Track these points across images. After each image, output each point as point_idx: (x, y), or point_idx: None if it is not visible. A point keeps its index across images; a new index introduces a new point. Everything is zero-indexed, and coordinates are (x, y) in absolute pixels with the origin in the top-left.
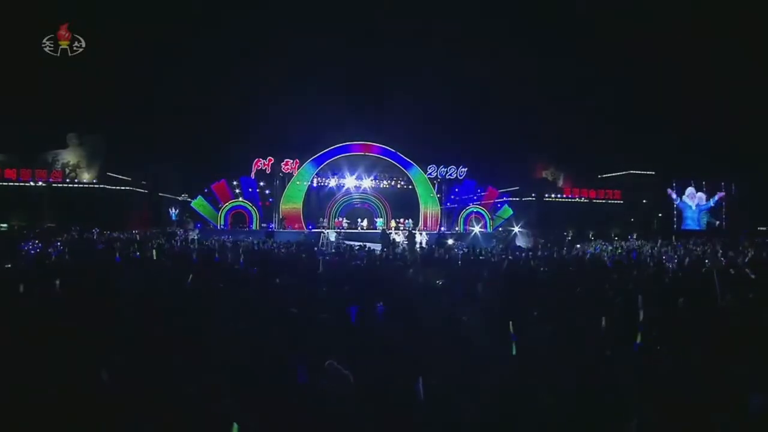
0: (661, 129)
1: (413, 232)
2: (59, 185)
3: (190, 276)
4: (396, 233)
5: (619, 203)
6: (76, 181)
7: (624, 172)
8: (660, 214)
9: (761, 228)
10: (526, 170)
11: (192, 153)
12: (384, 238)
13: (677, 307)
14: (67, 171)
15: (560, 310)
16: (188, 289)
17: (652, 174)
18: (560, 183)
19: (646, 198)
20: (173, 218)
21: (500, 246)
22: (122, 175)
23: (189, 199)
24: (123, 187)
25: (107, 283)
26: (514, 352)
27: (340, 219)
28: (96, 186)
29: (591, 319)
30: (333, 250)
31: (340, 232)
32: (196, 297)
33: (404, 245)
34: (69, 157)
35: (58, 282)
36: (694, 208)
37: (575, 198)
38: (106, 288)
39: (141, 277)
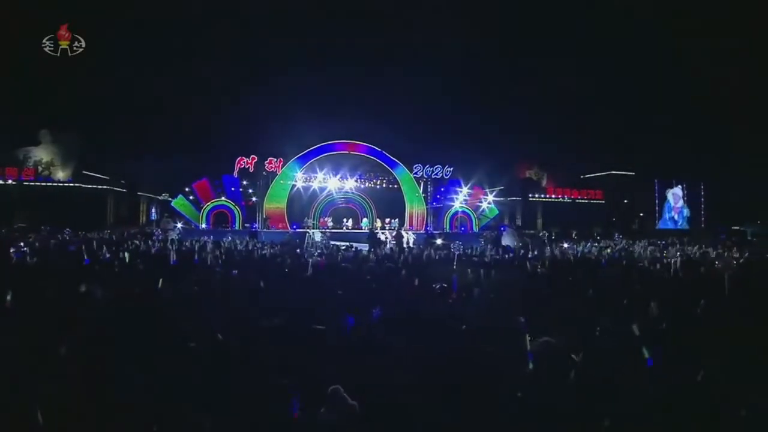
0: (642, 130)
1: (401, 231)
2: (31, 184)
3: (160, 280)
4: (383, 233)
5: (601, 203)
6: (49, 179)
7: (606, 173)
8: (641, 214)
9: (735, 227)
10: (511, 170)
11: (173, 151)
12: (371, 238)
13: (698, 310)
14: (40, 169)
15: (577, 315)
16: (161, 296)
17: (632, 174)
18: (544, 183)
19: (626, 198)
20: (153, 218)
21: (489, 246)
22: (99, 174)
23: (169, 199)
24: (100, 186)
25: (69, 290)
26: (530, 367)
27: (325, 219)
28: (71, 185)
29: (615, 324)
30: (320, 251)
31: (326, 232)
32: (170, 305)
33: (392, 245)
34: (41, 154)
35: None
36: (673, 208)
37: (559, 198)
38: (68, 295)
39: (109, 282)
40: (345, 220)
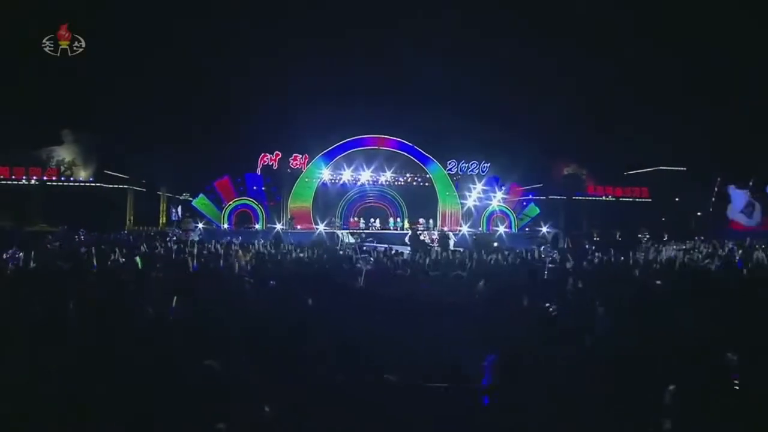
0: (693, 121)
1: (446, 233)
2: (54, 184)
3: (174, 299)
4: (422, 234)
5: (648, 202)
6: (71, 179)
7: (652, 169)
8: (699, 213)
9: None
10: (549, 167)
11: (194, 148)
12: (414, 240)
13: None
14: (62, 169)
15: None
16: (173, 321)
17: (683, 170)
18: (577, 180)
19: (678, 196)
20: (174, 218)
21: (549, 249)
22: (120, 173)
23: (190, 198)
24: (121, 186)
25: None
26: None
27: (356, 219)
28: (92, 184)
29: None
30: (371, 258)
31: (361, 233)
32: (182, 334)
33: (436, 248)
34: (64, 154)
35: None
36: (743, 208)
37: (600, 196)
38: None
39: (111, 296)
40: (372, 220)
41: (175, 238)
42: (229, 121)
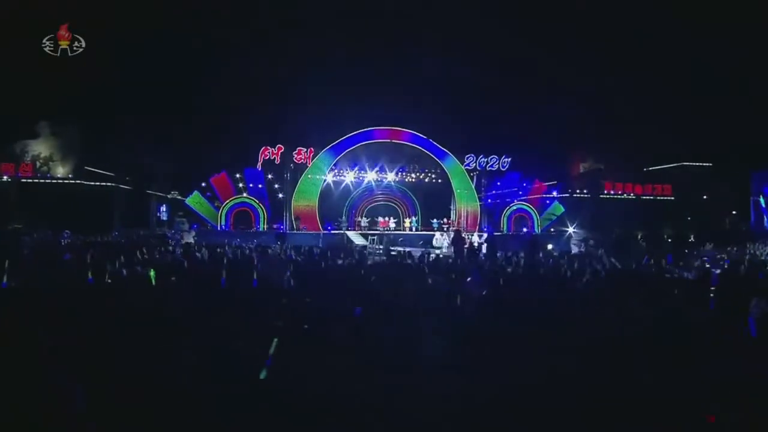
0: (719, 113)
1: (494, 235)
2: (29, 180)
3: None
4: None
5: (670, 200)
6: (48, 175)
7: (674, 164)
8: (734, 212)
9: None
10: (568, 162)
11: (188, 141)
12: (457, 242)
13: None
14: (38, 164)
15: None
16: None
17: (708, 166)
18: (601, 177)
19: (705, 194)
20: (164, 218)
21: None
22: (103, 170)
23: (179, 197)
24: (104, 183)
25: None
26: None
27: (387, 219)
28: (72, 181)
29: None
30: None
31: (389, 234)
32: None
33: (483, 253)
34: (40, 148)
35: None
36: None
37: (620, 194)
38: None
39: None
40: (379, 219)
41: (180, 241)
42: (227, 112)
